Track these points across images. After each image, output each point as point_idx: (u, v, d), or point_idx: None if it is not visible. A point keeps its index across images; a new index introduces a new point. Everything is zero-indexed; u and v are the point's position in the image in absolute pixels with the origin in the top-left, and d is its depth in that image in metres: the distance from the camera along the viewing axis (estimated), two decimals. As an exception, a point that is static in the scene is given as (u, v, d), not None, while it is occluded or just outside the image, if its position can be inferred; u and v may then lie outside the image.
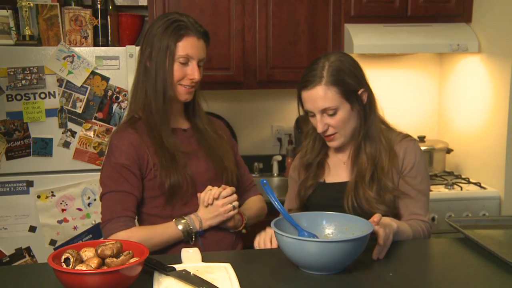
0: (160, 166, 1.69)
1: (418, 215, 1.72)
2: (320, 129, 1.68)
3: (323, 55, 1.73)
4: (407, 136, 1.79)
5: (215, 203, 1.71)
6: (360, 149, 1.73)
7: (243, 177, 1.97)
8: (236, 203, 1.74)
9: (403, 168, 1.73)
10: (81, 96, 2.41)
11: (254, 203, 1.95)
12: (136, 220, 1.77)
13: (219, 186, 1.77)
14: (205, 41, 1.76)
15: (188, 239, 1.71)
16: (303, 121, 1.85)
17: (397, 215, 1.73)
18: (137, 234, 1.64)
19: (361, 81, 1.72)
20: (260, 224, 1.95)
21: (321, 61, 1.69)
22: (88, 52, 2.41)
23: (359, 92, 1.70)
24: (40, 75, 2.37)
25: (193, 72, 1.72)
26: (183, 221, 1.70)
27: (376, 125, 1.74)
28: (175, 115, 1.80)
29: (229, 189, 1.74)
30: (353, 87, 1.68)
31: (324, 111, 1.66)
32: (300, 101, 1.75)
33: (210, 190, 1.73)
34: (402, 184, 1.72)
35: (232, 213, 1.73)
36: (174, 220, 1.71)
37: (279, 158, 3.14)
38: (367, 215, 1.62)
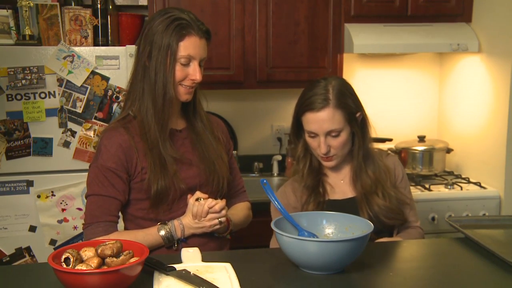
0: (149, 170, 1.65)
1: (412, 222, 1.83)
2: (323, 150, 1.71)
3: (322, 78, 1.77)
4: (387, 152, 1.93)
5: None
6: (360, 169, 1.78)
7: (234, 181, 1.93)
8: (223, 219, 1.68)
9: (396, 179, 1.84)
10: (81, 96, 2.41)
11: (241, 210, 1.90)
12: (121, 219, 1.75)
13: (209, 191, 1.72)
14: (207, 40, 1.71)
15: (169, 245, 1.68)
16: (293, 144, 1.86)
17: (405, 223, 1.81)
18: None
19: (359, 104, 1.77)
20: (258, 225, 1.96)
21: (322, 84, 1.73)
22: (88, 52, 2.41)
23: (357, 115, 1.75)
24: (40, 74, 2.37)
25: (194, 72, 1.67)
26: (166, 227, 1.67)
27: (370, 144, 1.82)
28: (171, 115, 1.75)
29: (217, 207, 1.65)
30: (354, 110, 1.74)
31: (329, 133, 1.70)
32: (297, 122, 1.77)
33: (201, 201, 1.65)
34: (400, 193, 1.81)
35: (217, 227, 1.68)
36: (158, 225, 1.68)
37: (279, 157, 3.14)
38: (385, 227, 1.73)
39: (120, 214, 1.73)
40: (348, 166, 1.83)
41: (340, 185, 1.82)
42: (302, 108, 1.73)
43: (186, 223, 1.67)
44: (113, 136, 1.68)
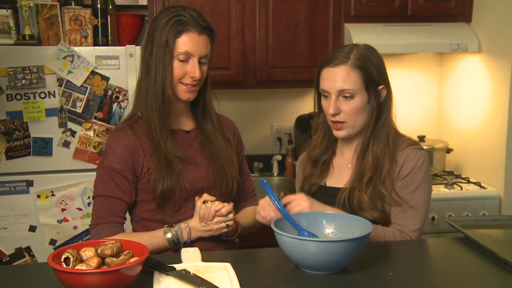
0: (154, 170, 1.64)
1: (402, 226, 1.65)
2: (331, 110, 1.63)
3: (353, 44, 1.72)
4: (413, 143, 1.71)
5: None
6: (367, 147, 1.69)
7: (245, 184, 1.90)
8: (231, 222, 1.65)
9: (399, 175, 1.66)
10: (81, 96, 2.41)
11: (251, 213, 1.84)
12: (129, 221, 1.75)
13: (217, 193, 1.71)
14: (208, 36, 1.69)
15: (175, 248, 1.66)
16: (316, 114, 1.80)
17: (387, 222, 1.67)
18: None
19: (384, 77, 1.70)
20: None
21: (350, 46, 1.69)
22: (88, 52, 2.41)
23: (380, 87, 1.68)
24: (40, 74, 2.37)
25: (193, 69, 1.64)
26: (172, 229, 1.65)
27: (387, 126, 1.70)
28: (178, 115, 1.74)
29: (224, 210, 1.62)
30: (375, 79, 1.66)
31: (341, 92, 1.63)
32: (318, 81, 1.71)
33: (208, 203, 1.62)
34: (393, 192, 1.65)
35: (224, 230, 1.65)
36: (164, 227, 1.66)
37: (279, 157, 3.14)
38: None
39: (128, 215, 1.73)
40: (358, 144, 1.73)
41: (343, 169, 1.75)
42: (321, 64, 1.67)
43: (193, 225, 1.65)
44: (119, 137, 1.68)
